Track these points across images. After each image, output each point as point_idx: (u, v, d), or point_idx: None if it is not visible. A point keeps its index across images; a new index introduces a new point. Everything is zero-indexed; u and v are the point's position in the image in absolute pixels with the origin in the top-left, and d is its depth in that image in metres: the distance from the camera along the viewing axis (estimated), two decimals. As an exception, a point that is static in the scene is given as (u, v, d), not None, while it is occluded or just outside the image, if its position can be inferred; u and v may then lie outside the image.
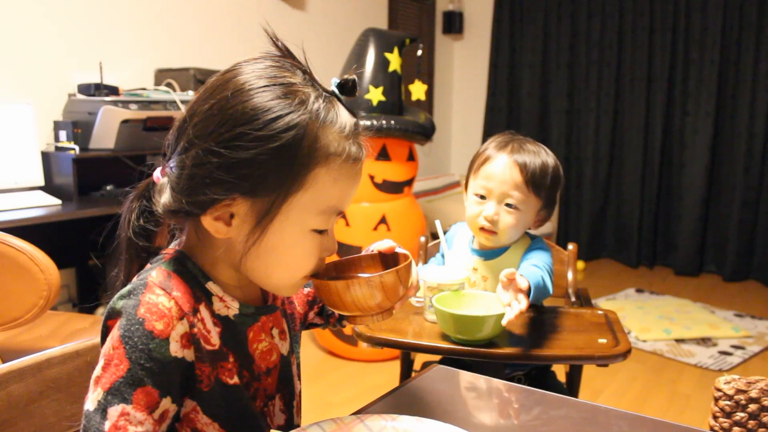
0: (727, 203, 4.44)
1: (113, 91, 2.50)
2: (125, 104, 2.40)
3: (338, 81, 0.74)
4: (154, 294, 0.68)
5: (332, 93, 0.73)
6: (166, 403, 0.67)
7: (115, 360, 0.65)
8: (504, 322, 1.08)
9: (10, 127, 2.30)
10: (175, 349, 0.67)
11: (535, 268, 1.24)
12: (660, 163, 4.63)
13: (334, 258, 0.87)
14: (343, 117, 0.72)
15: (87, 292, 2.60)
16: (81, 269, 2.61)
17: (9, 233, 1.55)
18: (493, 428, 0.87)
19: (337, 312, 0.81)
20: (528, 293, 1.13)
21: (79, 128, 2.42)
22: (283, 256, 0.72)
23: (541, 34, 4.95)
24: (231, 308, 0.75)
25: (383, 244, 0.88)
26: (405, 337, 1.20)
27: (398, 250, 0.88)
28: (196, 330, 0.70)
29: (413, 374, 1.53)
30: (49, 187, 2.39)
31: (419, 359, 1.59)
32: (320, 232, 0.73)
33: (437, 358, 1.38)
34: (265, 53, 0.72)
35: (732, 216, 4.39)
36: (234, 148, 0.66)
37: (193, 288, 0.72)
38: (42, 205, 2.22)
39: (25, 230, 1.91)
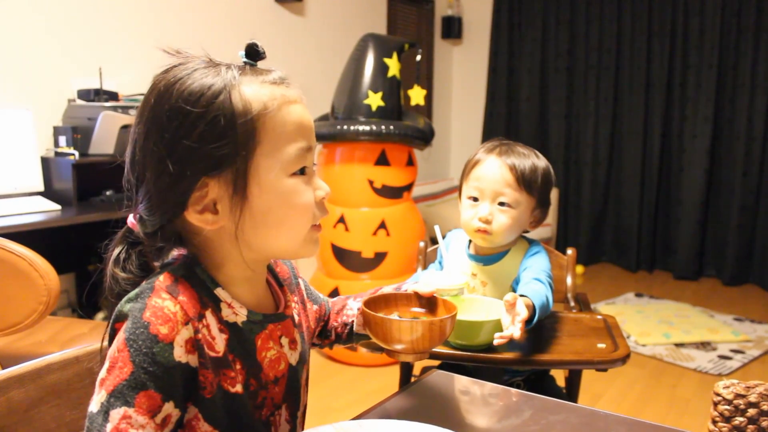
0: (726, 207, 4.44)
1: (113, 96, 2.51)
2: (125, 110, 2.41)
3: (243, 52, 0.75)
4: (160, 298, 0.68)
5: (245, 63, 0.74)
6: (169, 408, 0.67)
7: (119, 363, 0.65)
8: (495, 342, 1.08)
9: (10, 133, 2.31)
10: (179, 353, 0.67)
11: (538, 284, 1.23)
12: (659, 167, 4.64)
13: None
14: (264, 72, 0.73)
15: (86, 298, 2.60)
16: (80, 274, 2.61)
17: (8, 239, 1.54)
18: (493, 433, 0.87)
19: (384, 346, 0.83)
20: (530, 320, 1.12)
21: (79, 134, 2.43)
22: (280, 211, 0.73)
23: (540, 38, 4.96)
24: (239, 315, 0.75)
25: (424, 289, 0.91)
26: (404, 342, 1.20)
27: (436, 294, 0.91)
28: (200, 336, 0.70)
29: (413, 379, 1.52)
30: (49, 193, 2.40)
31: (418, 364, 1.59)
32: (301, 173, 0.74)
33: (436, 363, 1.38)
34: (169, 64, 0.73)
35: (731, 220, 4.40)
36: (179, 140, 0.68)
37: (201, 294, 0.72)
38: (41, 210, 2.22)
39: (24, 235, 1.91)
